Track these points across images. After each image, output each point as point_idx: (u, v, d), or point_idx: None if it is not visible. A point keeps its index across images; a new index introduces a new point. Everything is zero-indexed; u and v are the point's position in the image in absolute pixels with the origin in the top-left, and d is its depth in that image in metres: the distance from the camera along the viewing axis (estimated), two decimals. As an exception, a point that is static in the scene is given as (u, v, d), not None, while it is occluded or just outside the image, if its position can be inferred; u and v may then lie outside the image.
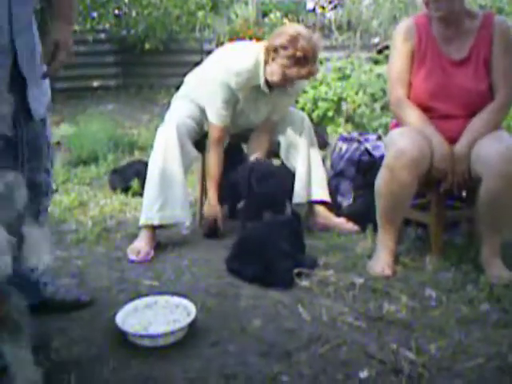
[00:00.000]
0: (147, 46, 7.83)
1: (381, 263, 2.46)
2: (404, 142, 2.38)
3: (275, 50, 2.75)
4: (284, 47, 2.72)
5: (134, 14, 7.08)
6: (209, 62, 3.02)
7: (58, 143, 5.11)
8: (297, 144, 3.05)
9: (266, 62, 2.81)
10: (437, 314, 2.10)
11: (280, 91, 2.94)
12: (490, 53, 2.48)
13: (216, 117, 2.88)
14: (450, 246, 2.67)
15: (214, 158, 2.94)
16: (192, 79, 3.11)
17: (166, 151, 2.79)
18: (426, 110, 2.50)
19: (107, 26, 7.79)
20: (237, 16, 8.87)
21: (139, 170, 3.60)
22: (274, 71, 2.78)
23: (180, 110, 2.99)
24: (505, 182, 2.25)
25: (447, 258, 2.54)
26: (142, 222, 2.79)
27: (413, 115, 2.50)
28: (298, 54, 2.70)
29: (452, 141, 2.43)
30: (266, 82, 2.85)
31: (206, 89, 2.91)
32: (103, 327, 2.04)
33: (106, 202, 3.57)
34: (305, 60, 2.72)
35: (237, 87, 2.82)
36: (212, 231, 2.94)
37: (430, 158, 2.40)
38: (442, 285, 2.32)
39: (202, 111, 2.96)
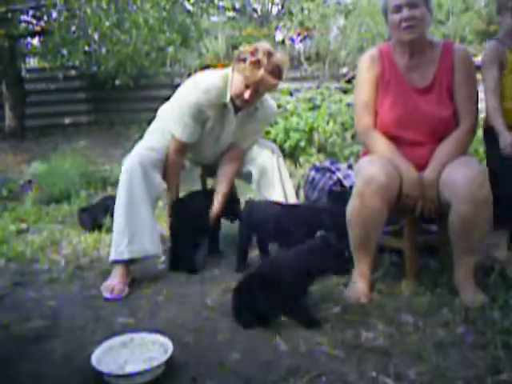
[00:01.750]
0: (118, 82, 7.86)
1: (357, 291, 2.47)
2: (373, 169, 2.41)
3: (238, 60, 2.81)
4: (245, 54, 2.78)
5: (103, 50, 7.11)
6: (180, 89, 3.05)
7: (30, 181, 5.06)
8: (269, 175, 3.07)
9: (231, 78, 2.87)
10: (414, 338, 2.10)
11: (248, 114, 3.00)
12: (452, 80, 2.54)
13: (181, 131, 2.90)
14: (424, 270, 2.69)
15: (173, 166, 2.98)
16: (164, 110, 3.13)
17: (130, 184, 2.77)
18: (392, 138, 2.54)
19: (77, 62, 7.81)
20: (207, 50, 8.99)
21: (109, 206, 3.52)
22: (235, 81, 2.82)
23: (145, 142, 3.00)
24: (473, 207, 2.28)
25: (422, 282, 2.56)
26: (111, 257, 2.76)
27: (380, 144, 2.54)
28: (257, 56, 2.74)
29: (420, 167, 2.47)
30: (233, 102, 2.90)
31: (176, 111, 2.94)
32: (78, 367, 1.99)
33: (78, 239, 3.53)
34: (259, 62, 2.74)
35: (206, 104, 2.84)
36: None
37: (399, 183, 2.44)
38: (418, 309, 2.33)
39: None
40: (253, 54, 2.76)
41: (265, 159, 3.10)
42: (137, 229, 2.75)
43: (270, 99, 3.11)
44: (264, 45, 2.81)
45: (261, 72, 2.75)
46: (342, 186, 3.14)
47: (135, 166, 2.79)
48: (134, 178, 2.78)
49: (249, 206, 2.90)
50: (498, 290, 2.41)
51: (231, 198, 3.06)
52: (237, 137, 3.05)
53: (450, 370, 1.88)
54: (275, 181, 3.07)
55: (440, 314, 2.29)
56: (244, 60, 2.77)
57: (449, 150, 2.48)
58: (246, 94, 2.80)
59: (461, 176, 2.32)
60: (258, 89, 2.81)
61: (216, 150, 3.10)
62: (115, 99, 8.75)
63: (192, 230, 2.96)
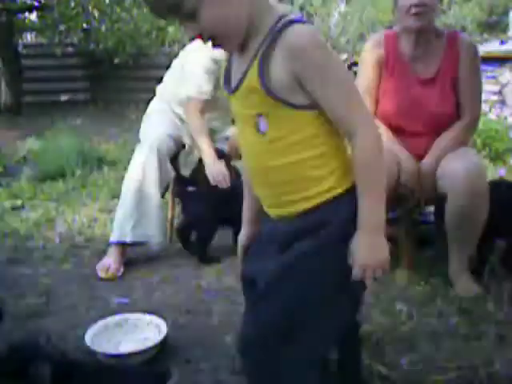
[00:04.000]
0: (116, 60, 7.79)
1: (352, 279, 2.47)
2: None
3: None
4: None
5: (103, 28, 7.04)
6: (178, 60, 3.06)
7: (25, 158, 5.03)
8: None
9: None
10: (407, 328, 2.11)
11: None
12: (457, 72, 2.51)
13: (197, 89, 2.85)
14: (420, 260, 2.70)
15: (201, 130, 2.86)
16: (166, 86, 3.11)
17: (143, 172, 2.75)
18: (392, 127, 2.53)
19: (75, 39, 7.73)
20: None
21: None
22: None
23: (158, 127, 2.95)
24: (470, 199, 2.28)
25: (417, 272, 2.57)
26: (113, 238, 2.74)
27: (387, 139, 2.52)
28: None
29: (418, 158, 2.47)
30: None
31: (185, 71, 2.91)
32: (72, 346, 1.99)
33: (73, 218, 3.52)
34: None
35: (219, 56, 2.80)
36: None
37: (397, 173, 2.43)
38: (413, 299, 2.33)
39: (181, 121, 2.97)
40: None
41: None
42: (144, 215, 2.74)
43: None
44: None
45: None
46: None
47: (152, 155, 2.77)
48: (148, 167, 2.75)
49: None
50: (492, 280, 2.42)
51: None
52: None
53: (443, 359, 1.89)
54: None
55: (434, 304, 2.30)
56: None
57: (448, 141, 2.47)
58: None
59: (458, 168, 2.32)
60: None
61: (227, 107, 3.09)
62: (113, 78, 8.66)
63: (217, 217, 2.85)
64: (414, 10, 2.41)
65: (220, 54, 2.88)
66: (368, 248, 1.18)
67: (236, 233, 1.60)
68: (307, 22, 1.20)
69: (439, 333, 2.07)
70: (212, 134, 3.11)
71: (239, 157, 3.08)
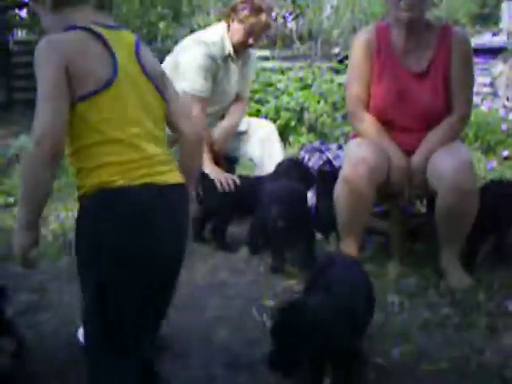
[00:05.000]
0: (108, 56, 7.74)
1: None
2: (361, 152, 2.40)
3: (233, 10, 2.92)
4: (242, 4, 2.90)
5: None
6: (170, 58, 3.09)
7: (17, 156, 5.00)
8: (271, 152, 3.11)
9: (228, 29, 2.95)
10: (400, 319, 2.13)
11: (244, 62, 3.11)
12: (449, 66, 2.50)
13: (194, 86, 2.89)
14: (412, 252, 2.72)
15: (205, 131, 2.88)
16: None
17: None
18: (383, 122, 2.53)
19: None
20: (199, 26, 8.88)
21: None
22: (236, 29, 2.93)
23: None
24: (459, 196, 2.29)
25: (409, 264, 2.58)
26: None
27: (369, 126, 2.53)
28: (253, 3, 2.87)
29: (408, 154, 2.47)
30: (233, 49, 2.99)
31: (182, 67, 2.94)
32: (65, 342, 1.99)
33: (66, 215, 3.51)
34: (259, 8, 2.88)
35: (213, 54, 2.91)
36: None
37: (386, 168, 2.43)
38: (405, 291, 2.35)
39: None
40: (248, 2, 2.87)
41: (264, 138, 3.16)
42: None
43: None
44: None
45: (264, 17, 2.89)
46: (332, 165, 3.14)
47: None
48: None
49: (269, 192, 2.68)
50: (483, 272, 2.44)
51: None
52: (239, 85, 3.13)
53: (434, 350, 1.91)
54: (277, 152, 3.13)
55: (426, 295, 2.32)
56: (243, 9, 2.87)
57: (439, 137, 2.47)
58: (251, 40, 2.94)
59: (448, 165, 2.32)
60: (262, 32, 2.98)
61: (223, 104, 3.13)
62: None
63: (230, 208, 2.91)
64: (404, 2, 2.40)
65: (215, 50, 2.90)
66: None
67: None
68: (72, 31, 1.35)
69: (431, 324, 2.09)
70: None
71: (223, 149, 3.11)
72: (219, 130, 3.09)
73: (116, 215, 1.30)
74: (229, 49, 2.96)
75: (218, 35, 2.96)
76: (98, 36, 1.36)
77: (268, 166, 3.05)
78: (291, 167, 2.81)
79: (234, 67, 3.05)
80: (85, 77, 1.32)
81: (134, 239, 1.31)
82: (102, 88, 1.32)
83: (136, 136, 1.35)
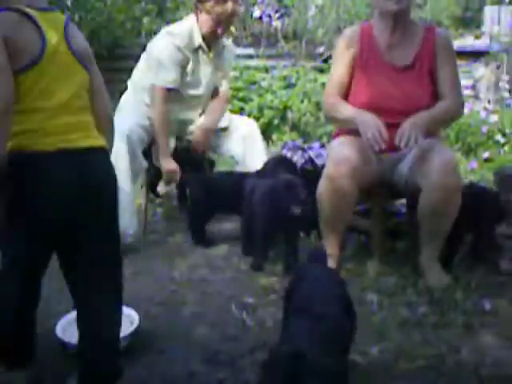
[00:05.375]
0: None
1: (325, 269, 2.49)
2: (344, 150, 2.41)
3: (200, 1, 2.92)
4: None
5: (76, 17, 6.93)
6: (146, 51, 3.12)
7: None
8: (253, 150, 3.11)
9: (198, 21, 2.96)
10: (378, 317, 2.14)
11: (218, 54, 3.10)
12: (434, 64, 2.53)
13: (163, 77, 2.90)
14: (392, 251, 2.74)
15: (162, 119, 2.93)
16: (136, 79, 3.14)
17: (113, 162, 2.73)
18: None
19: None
20: (183, 22, 8.82)
21: None
22: (204, 20, 2.94)
23: (129, 118, 2.94)
24: (443, 194, 2.30)
25: (389, 263, 2.60)
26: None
27: (344, 107, 2.54)
28: None
29: (395, 150, 2.46)
30: (203, 40, 2.99)
31: (152, 65, 2.96)
32: (42, 337, 1.97)
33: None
34: None
35: (181, 45, 2.91)
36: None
37: (370, 166, 2.45)
38: (384, 289, 2.37)
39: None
40: None
41: (247, 128, 3.17)
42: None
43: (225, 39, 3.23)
44: None
45: (229, 5, 2.89)
46: (314, 163, 3.15)
47: (122, 143, 2.76)
48: (119, 155, 2.70)
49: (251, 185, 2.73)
50: (461, 271, 2.46)
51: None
52: (215, 77, 3.12)
53: (412, 348, 1.93)
54: (259, 149, 3.13)
55: (404, 294, 2.34)
56: (209, 0, 2.87)
57: (436, 110, 2.47)
58: (220, 30, 2.94)
59: (433, 163, 2.33)
60: (229, 21, 2.98)
61: (200, 94, 3.10)
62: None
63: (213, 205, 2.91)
64: None
65: (183, 42, 2.90)
66: None
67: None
68: (4, 11, 1.47)
69: (409, 322, 2.11)
70: (183, 125, 3.12)
71: (205, 149, 3.11)
72: (199, 130, 3.08)
73: (26, 178, 1.46)
74: (198, 40, 2.96)
75: (186, 27, 2.97)
76: (29, 17, 1.49)
77: (250, 163, 3.05)
78: (279, 165, 2.82)
79: (205, 58, 3.04)
80: (17, 53, 1.45)
81: (41, 200, 1.48)
82: (30, 64, 1.46)
83: (57, 107, 1.51)
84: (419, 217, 2.41)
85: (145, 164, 2.95)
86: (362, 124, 2.38)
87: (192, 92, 3.06)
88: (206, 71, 3.07)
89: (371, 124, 2.36)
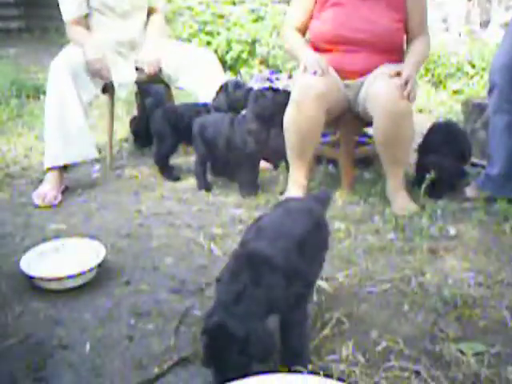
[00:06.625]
0: (51, -16, 7.34)
1: (292, 199, 2.49)
2: (310, 78, 2.36)
3: None
4: None
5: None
6: None
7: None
8: (212, 80, 2.96)
9: None
10: (345, 244, 2.16)
11: None
12: None
13: (63, 11, 2.85)
14: (359, 181, 2.74)
15: (75, 39, 2.89)
16: None
17: (58, 84, 2.65)
18: (330, 42, 2.50)
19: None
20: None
21: None
22: None
23: (73, 48, 2.86)
24: (392, 120, 2.28)
25: (356, 192, 2.61)
26: (47, 164, 2.66)
27: (292, 37, 2.57)
28: None
29: (355, 74, 2.44)
30: None
31: None
32: (7, 274, 1.95)
33: (9, 147, 3.38)
34: None
35: None
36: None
37: (336, 92, 2.42)
38: (351, 217, 2.38)
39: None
40: None
41: (205, 59, 3.04)
42: (71, 133, 2.65)
43: None
44: None
45: None
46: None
47: (62, 65, 2.67)
48: (61, 77, 2.65)
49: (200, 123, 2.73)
50: (427, 199, 2.48)
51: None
52: None
53: (377, 272, 1.95)
54: (219, 79, 2.99)
55: (371, 221, 2.35)
56: None
57: (421, 49, 2.49)
58: None
59: (380, 89, 2.30)
60: None
61: (126, 10, 2.96)
62: (48, 4, 8.18)
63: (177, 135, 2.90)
64: None
65: None
66: None
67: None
68: None
69: (375, 248, 2.13)
70: (132, 45, 3.01)
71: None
72: (145, 50, 2.96)
73: None
74: None
75: None
76: None
77: (210, 93, 2.96)
78: (232, 89, 2.79)
79: None
80: None
81: None
82: None
83: None
84: (375, 144, 2.42)
85: (95, 91, 2.85)
86: (304, 61, 2.39)
87: (117, 7, 2.92)
88: None
89: (311, 61, 2.37)
